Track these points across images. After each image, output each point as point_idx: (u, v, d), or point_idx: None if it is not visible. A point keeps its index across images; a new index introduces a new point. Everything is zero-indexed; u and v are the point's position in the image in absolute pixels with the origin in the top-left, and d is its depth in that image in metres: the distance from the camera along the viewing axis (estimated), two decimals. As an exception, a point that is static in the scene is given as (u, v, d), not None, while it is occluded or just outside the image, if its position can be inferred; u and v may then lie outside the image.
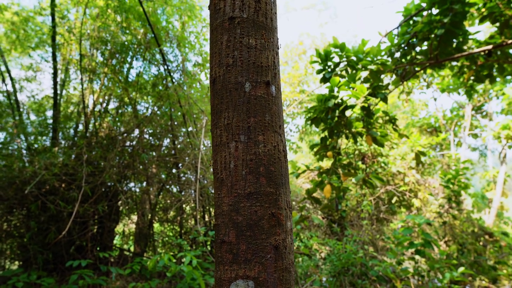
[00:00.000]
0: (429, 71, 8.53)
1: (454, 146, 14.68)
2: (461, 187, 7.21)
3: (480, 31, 4.35)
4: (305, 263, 5.80)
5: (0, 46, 7.17)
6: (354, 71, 4.15)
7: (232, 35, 1.34)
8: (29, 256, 5.64)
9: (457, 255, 7.10)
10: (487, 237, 8.20)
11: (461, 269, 4.81)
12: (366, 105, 4.15)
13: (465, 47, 4.42)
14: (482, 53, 4.52)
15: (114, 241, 7.28)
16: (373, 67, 3.92)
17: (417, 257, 5.77)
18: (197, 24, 7.75)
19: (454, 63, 5.30)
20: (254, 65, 1.31)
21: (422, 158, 7.66)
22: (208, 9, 1.49)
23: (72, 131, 7.33)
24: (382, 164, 8.09)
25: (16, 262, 6.19)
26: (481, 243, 8.01)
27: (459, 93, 8.84)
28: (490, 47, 4.04)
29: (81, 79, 6.80)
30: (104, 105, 7.59)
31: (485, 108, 14.49)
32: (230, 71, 1.31)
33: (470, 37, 4.26)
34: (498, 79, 4.99)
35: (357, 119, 4.37)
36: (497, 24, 4.19)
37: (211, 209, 7.31)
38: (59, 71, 7.26)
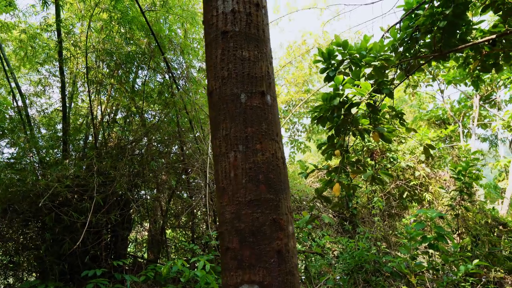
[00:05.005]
0: (434, 63, 8.47)
1: (464, 137, 14.51)
2: (472, 178, 7.12)
3: (484, 21, 4.32)
4: (318, 262, 5.80)
5: (10, 64, 7.32)
6: (358, 68, 4.15)
7: (226, 49, 1.37)
8: (45, 268, 5.73)
9: (471, 247, 7.02)
10: (501, 227, 8.09)
11: (476, 261, 4.78)
12: (371, 101, 4.14)
13: (469, 38, 4.38)
14: (487, 43, 4.47)
15: (128, 249, 7.36)
16: (376, 63, 3.92)
17: (431, 251, 5.72)
18: (199, 30, 7.83)
19: (459, 54, 5.25)
20: (249, 77, 1.34)
21: (431, 151, 7.58)
22: (203, 24, 1.53)
23: (82, 142, 7.43)
24: (391, 160, 8.04)
25: (34, 274, 6.30)
26: (495, 234, 7.91)
27: (466, 84, 8.74)
28: (494, 36, 4.01)
29: (89, 91, 6.91)
30: (112, 115, 7.69)
31: (493, 98, 14.31)
32: (225, 83, 1.35)
33: (474, 27, 4.23)
34: (505, 68, 4.94)
35: (364, 116, 4.36)
36: (500, 13, 4.16)
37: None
38: (66, 85, 7.39)
